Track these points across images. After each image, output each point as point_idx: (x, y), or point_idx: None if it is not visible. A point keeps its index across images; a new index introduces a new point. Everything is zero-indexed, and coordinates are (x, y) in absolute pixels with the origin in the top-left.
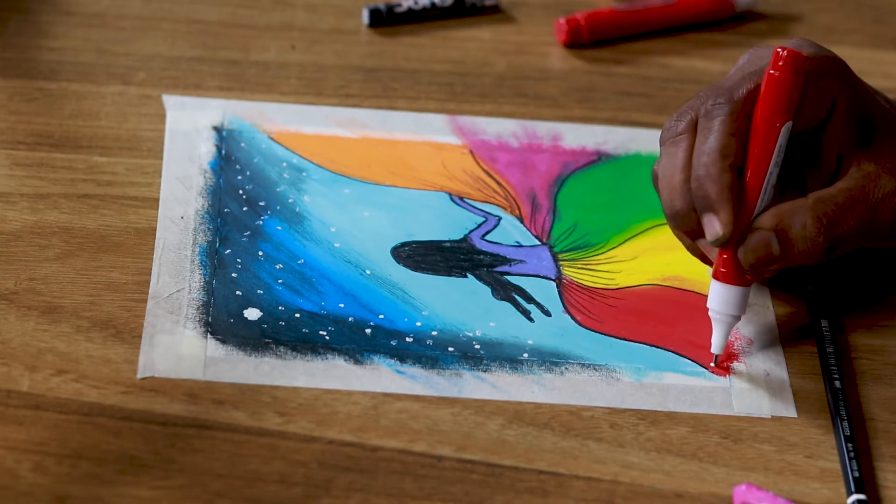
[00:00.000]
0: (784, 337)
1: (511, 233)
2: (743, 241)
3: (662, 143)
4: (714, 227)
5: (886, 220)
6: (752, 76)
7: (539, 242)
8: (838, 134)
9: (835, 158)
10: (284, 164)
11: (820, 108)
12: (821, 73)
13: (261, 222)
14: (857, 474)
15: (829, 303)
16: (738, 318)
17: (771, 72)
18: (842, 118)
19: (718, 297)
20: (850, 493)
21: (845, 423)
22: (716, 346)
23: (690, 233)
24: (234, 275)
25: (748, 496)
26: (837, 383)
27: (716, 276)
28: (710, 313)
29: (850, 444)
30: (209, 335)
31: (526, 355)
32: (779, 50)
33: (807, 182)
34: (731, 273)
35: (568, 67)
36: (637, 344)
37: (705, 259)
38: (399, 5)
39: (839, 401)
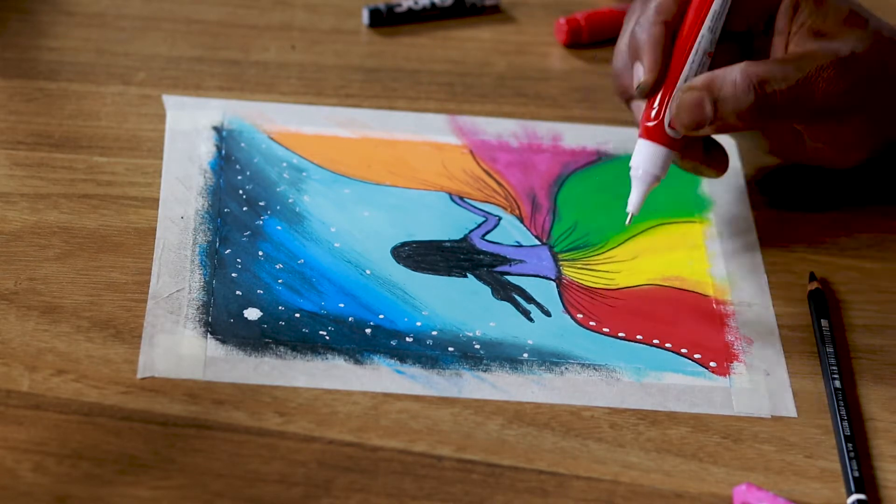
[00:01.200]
0: (784, 337)
1: (511, 233)
2: (675, 102)
3: (626, 17)
4: (638, 74)
5: (818, 93)
6: None
7: (539, 242)
8: (786, 20)
9: (784, 42)
10: (284, 164)
11: None
12: None
13: (261, 222)
14: (857, 474)
15: (829, 303)
16: (658, 180)
17: None
18: (791, 5)
19: (643, 154)
20: (850, 493)
21: (845, 423)
22: (632, 204)
23: (625, 94)
24: (234, 275)
25: (748, 496)
26: (837, 383)
27: (641, 133)
28: (631, 171)
29: (850, 444)
30: (209, 335)
31: (526, 355)
32: None
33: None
34: (656, 131)
35: (568, 67)
36: (637, 344)
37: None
38: (399, 5)
39: (839, 401)
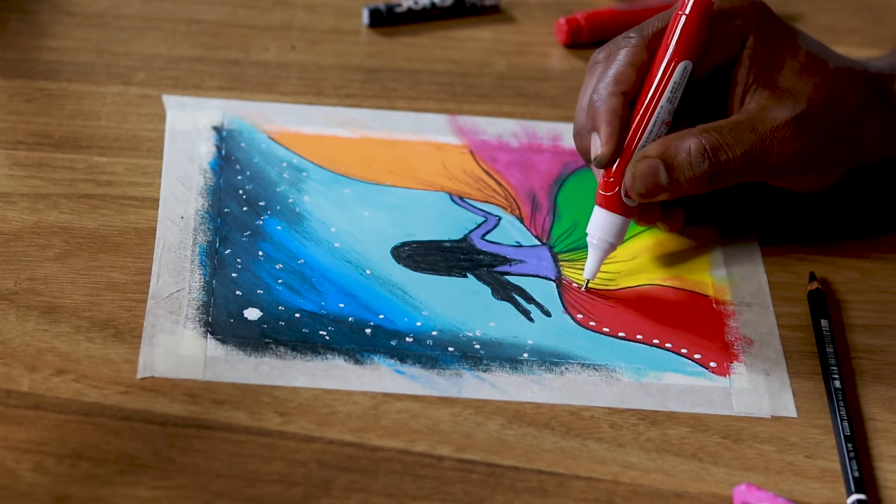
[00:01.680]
0: (784, 337)
1: (511, 233)
2: (630, 171)
3: (587, 71)
4: (595, 145)
5: (774, 151)
6: (665, 16)
7: (539, 242)
8: (743, 72)
9: (740, 98)
10: (284, 164)
11: (731, 47)
12: (732, 12)
13: (261, 222)
14: (857, 474)
15: (829, 303)
16: (613, 247)
17: (678, 11)
18: (750, 55)
19: (599, 222)
20: (850, 493)
21: (845, 423)
22: (588, 270)
23: (587, 154)
24: (234, 275)
25: (748, 496)
26: (837, 383)
27: (597, 201)
28: (587, 238)
29: (850, 444)
30: (209, 335)
31: (526, 355)
32: None
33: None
34: (612, 200)
35: (568, 67)
36: (637, 344)
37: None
38: (399, 5)
39: (839, 401)
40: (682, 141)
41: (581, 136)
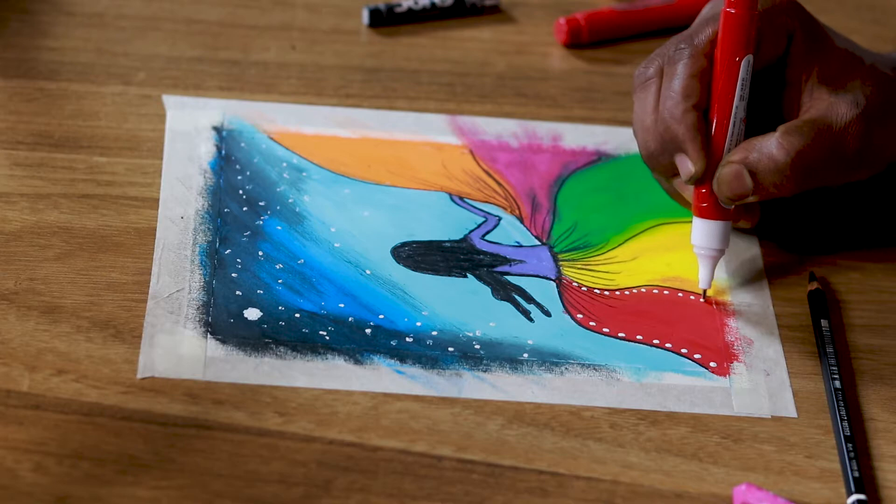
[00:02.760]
0: (784, 337)
1: (511, 233)
2: (717, 178)
3: (634, 90)
4: (686, 166)
5: (850, 147)
6: (712, 20)
7: (539, 242)
8: (798, 68)
9: (798, 93)
10: (284, 164)
11: (778, 44)
12: (775, 10)
13: (261, 222)
14: (857, 474)
15: (828, 300)
16: (722, 252)
17: (727, 9)
18: (800, 52)
19: (701, 233)
20: (850, 494)
21: (845, 424)
22: (703, 280)
23: (666, 173)
24: (234, 275)
25: (748, 496)
26: (837, 383)
27: (696, 212)
28: (695, 250)
29: (850, 445)
30: (209, 335)
31: (526, 355)
32: None
33: (777, 119)
34: (710, 208)
35: (568, 67)
36: (637, 344)
37: (683, 201)
38: (399, 5)
39: (839, 401)
40: (764, 145)
41: (656, 157)
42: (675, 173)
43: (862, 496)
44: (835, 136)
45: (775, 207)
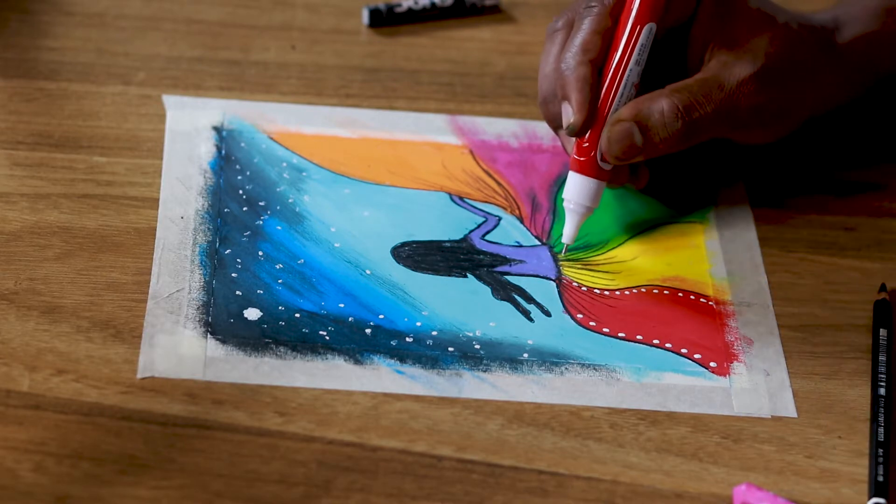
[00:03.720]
0: (784, 337)
1: (511, 233)
2: (605, 135)
3: (545, 40)
4: (567, 114)
5: (742, 105)
6: None
7: (539, 242)
8: (701, 30)
9: (699, 55)
10: (284, 164)
11: (688, 5)
12: None
13: (261, 222)
14: (881, 479)
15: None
16: (590, 210)
17: None
18: (707, 13)
19: (574, 187)
20: (871, 496)
21: (881, 429)
22: (566, 235)
23: (554, 122)
24: (234, 275)
25: (748, 496)
26: (882, 391)
27: (572, 166)
28: (564, 203)
29: (881, 450)
30: (209, 335)
31: (526, 355)
32: None
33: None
34: (586, 164)
35: None
36: (637, 344)
37: (568, 151)
38: (399, 5)
39: (879, 407)
40: (654, 102)
41: (547, 104)
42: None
43: (882, 500)
44: (725, 95)
45: (662, 168)
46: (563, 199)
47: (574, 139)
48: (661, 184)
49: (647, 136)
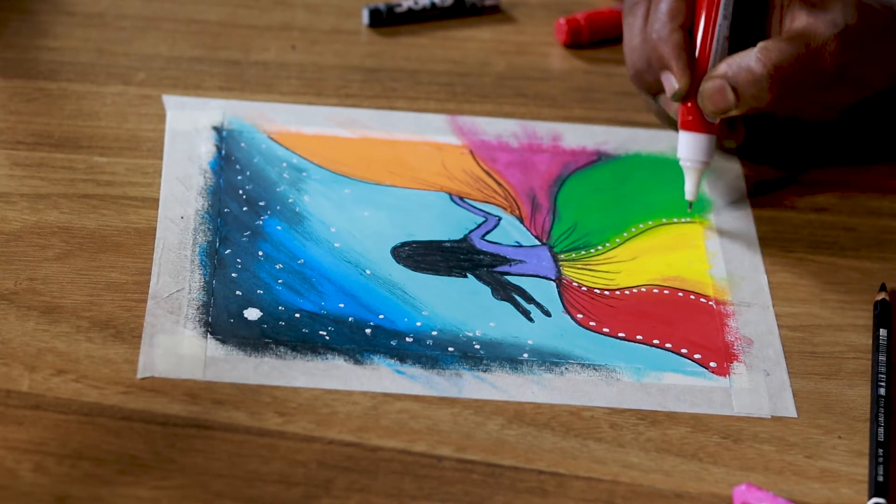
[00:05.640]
0: (784, 337)
1: (511, 233)
2: (701, 92)
3: (624, 15)
4: (671, 82)
5: (827, 65)
6: None
7: (539, 242)
8: None
9: (781, 14)
10: (284, 164)
11: None
12: None
13: (261, 222)
14: (881, 479)
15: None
16: (706, 164)
17: None
18: None
19: (687, 145)
20: (871, 497)
21: (881, 429)
22: (689, 192)
23: (651, 91)
24: (234, 275)
25: (748, 496)
26: (882, 391)
27: (682, 126)
28: (681, 163)
29: (881, 450)
30: (209, 335)
31: (526, 355)
32: None
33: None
34: (695, 122)
35: (568, 67)
36: (637, 344)
37: (668, 120)
38: (399, 5)
39: (879, 407)
40: (744, 59)
41: (641, 75)
42: (661, 91)
43: (881, 500)
44: (812, 52)
45: (760, 128)
46: (679, 158)
47: (677, 104)
48: (753, 144)
49: (738, 93)
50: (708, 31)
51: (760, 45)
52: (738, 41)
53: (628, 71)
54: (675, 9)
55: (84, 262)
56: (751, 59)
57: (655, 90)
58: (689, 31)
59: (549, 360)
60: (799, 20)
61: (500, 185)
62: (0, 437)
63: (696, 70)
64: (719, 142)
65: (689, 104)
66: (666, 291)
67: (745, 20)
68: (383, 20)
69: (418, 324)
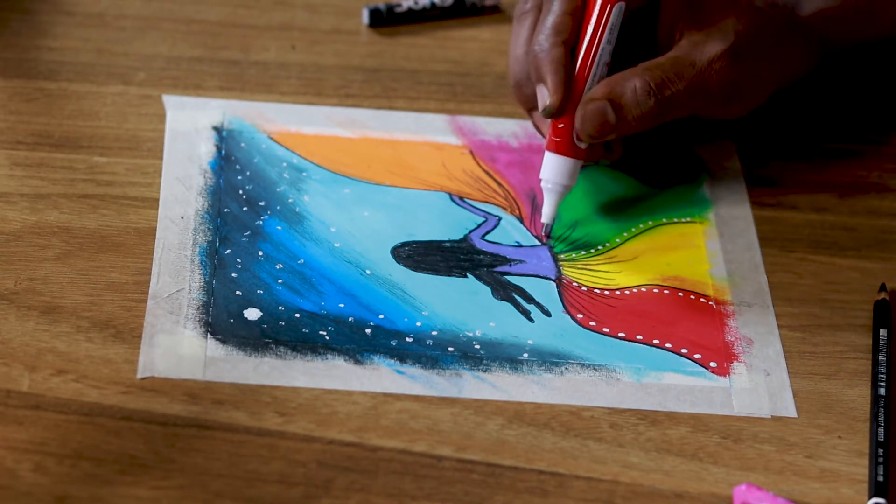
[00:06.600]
0: (784, 337)
1: (511, 233)
2: (580, 114)
3: (513, 24)
4: (543, 96)
5: (714, 83)
6: None
7: (539, 243)
8: (669, 10)
9: (668, 35)
10: (284, 164)
11: None
12: None
13: (261, 222)
14: (881, 479)
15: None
16: (568, 189)
17: None
18: None
19: (550, 167)
20: (871, 496)
21: (881, 429)
22: (546, 214)
23: (527, 105)
24: (234, 275)
25: (748, 496)
26: (882, 391)
27: (548, 147)
28: (542, 183)
29: (881, 450)
30: (209, 335)
31: (526, 355)
32: None
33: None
34: (563, 144)
35: None
36: (637, 344)
37: (542, 133)
38: (399, 5)
39: (879, 407)
40: (626, 80)
41: (521, 87)
42: (535, 106)
43: (881, 500)
44: (697, 72)
45: (638, 143)
46: (540, 179)
47: (549, 120)
48: (636, 159)
49: (621, 114)
50: (590, 53)
51: (643, 65)
52: (624, 57)
53: (509, 81)
54: (562, 23)
55: (84, 262)
56: (634, 80)
57: (531, 104)
58: (572, 48)
59: (549, 360)
60: (687, 39)
61: (500, 185)
62: (0, 437)
63: (572, 90)
64: (594, 160)
65: (561, 125)
66: (666, 291)
67: (637, 39)
68: (383, 20)
69: (418, 324)
